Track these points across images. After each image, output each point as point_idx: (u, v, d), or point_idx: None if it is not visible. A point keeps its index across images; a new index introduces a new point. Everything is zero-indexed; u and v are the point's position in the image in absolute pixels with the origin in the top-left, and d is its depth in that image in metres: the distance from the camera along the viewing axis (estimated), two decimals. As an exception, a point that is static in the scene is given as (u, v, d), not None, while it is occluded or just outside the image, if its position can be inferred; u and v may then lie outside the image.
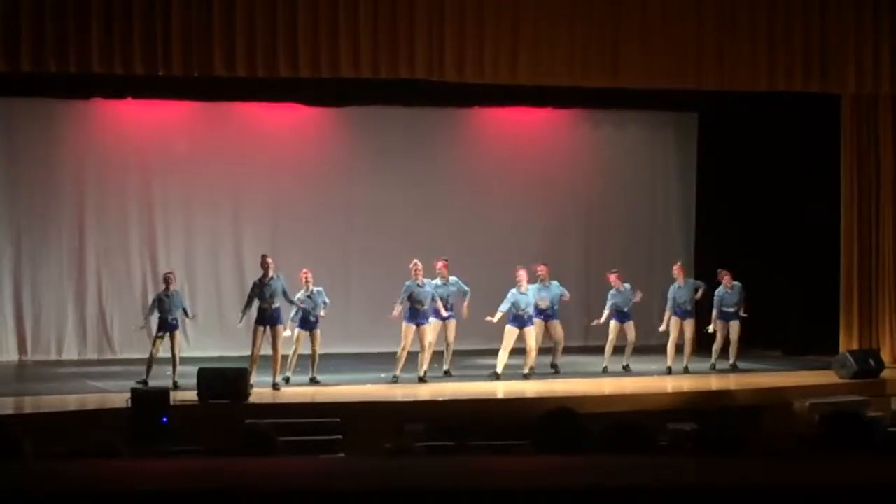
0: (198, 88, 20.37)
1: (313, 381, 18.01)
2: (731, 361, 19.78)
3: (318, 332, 18.08)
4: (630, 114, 23.82)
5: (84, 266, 21.62)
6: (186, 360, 17.89)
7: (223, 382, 16.20)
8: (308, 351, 18.12)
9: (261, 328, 17.58)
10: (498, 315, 18.59)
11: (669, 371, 19.43)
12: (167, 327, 17.78)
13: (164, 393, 15.56)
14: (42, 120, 21.27)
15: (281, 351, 17.53)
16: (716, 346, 19.77)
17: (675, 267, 20.02)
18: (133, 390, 15.29)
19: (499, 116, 23.57)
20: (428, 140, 22.93)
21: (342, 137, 22.85)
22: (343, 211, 22.58)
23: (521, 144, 23.56)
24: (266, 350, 17.58)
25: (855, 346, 20.22)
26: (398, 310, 18.18)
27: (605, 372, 19.44)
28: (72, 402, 16.88)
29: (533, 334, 18.71)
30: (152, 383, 16.92)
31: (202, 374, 16.22)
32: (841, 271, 20.99)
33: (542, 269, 19.24)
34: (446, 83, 19.00)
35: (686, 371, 19.42)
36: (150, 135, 21.87)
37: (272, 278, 17.67)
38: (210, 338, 21.23)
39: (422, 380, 18.09)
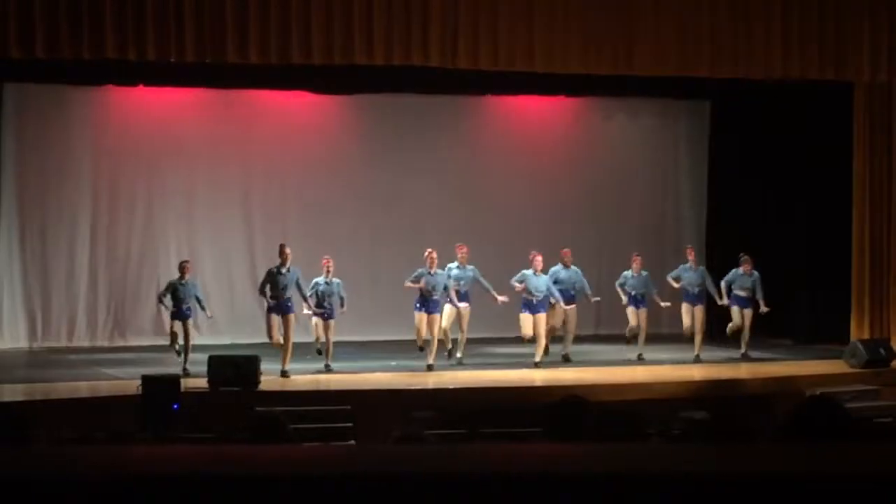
0: (209, 76, 20.38)
1: (327, 369, 18.03)
2: (742, 350, 19.74)
3: (332, 322, 18.10)
4: (643, 102, 23.80)
5: (95, 253, 21.65)
6: (198, 348, 17.91)
7: (234, 370, 16.21)
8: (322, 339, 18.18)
9: (275, 316, 17.61)
10: (516, 286, 18.61)
11: (698, 359, 19.44)
12: (181, 315, 17.81)
13: (174, 380, 15.57)
14: (55, 106, 21.28)
15: (293, 339, 17.57)
16: (742, 334, 19.68)
17: (687, 249, 20.05)
18: (144, 377, 15.28)
19: (511, 104, 23.55)
20: (440, 128, 22.92)
21: (353, 125, 22.85)
22: (355, 199, 22.58)
23: (534, 132, 23.55)
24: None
25: (866, 336, 20.18)
26: (407, 286, 18.22)
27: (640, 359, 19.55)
28: (83, 388, 16.91)
29: (543, 322, 18.72)
30: (163, 370, 16.93)
31: (213, 361, 16.23)
32: (853, 260, 20.95)
33: (565, 253, 19.31)
34: (458, 71, 18.98)
35: (697, 360, 19.39)
36: (162, 122, 21.90)
37: (289, 269, 17.68)
38: (221, 325, 21.24)
39: (430, 368, 18.09)
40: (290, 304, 17.67)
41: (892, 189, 20.86)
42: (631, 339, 19.73)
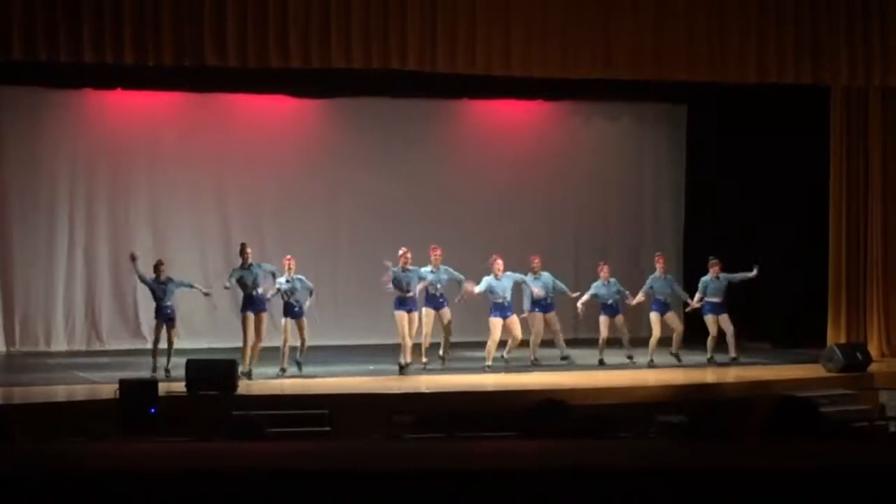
0: (187, 79, 20.35)
1: (298, 366, 18.06)
2: (731, 355, 19.67)
3: (304, 320, 18.14)
4: (620, 106, 23.86)
5: (73, 257, 21.59)
6: (175, 352, 17.87)
7: (212, 373, 16.19)
8: (296, 342, 18.18)
9: (250, 314, 17.71)
10: (476, 289, 18.70)
11: (678, 357, 19.60)
12: (162, 316, 17.80)
13: (152, 384, 15.55)
14: (32, 109, 21.21)
15: (264, 339, 17.71)
16: (728, 339, 19.72)
17: (657, 257, 20.11)
18: (121, 381, 15.25)
19: (489, 108, 23.56)
20: (418, 132, 22.92)
21: (331, 129, 22.83)
22: (332, 202, 22.57)
23: (512, 136, 23.57)
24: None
25: (843, 340, 20.25)
26: (384, 282, 18.30)
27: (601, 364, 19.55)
28: (60, 392, 16.87)
29: (517, 324, 18.79)
30: (141, 374, 16.92)
31: (191, 364, 16.20)
32: (829, 264, 21.02)
33: (536, 261, 19.36)
34: (436, 74, 18.99)
35: (677, 358, 19.58)
36: (141, 125, 21.85)
37: (251, 265, 17.88)
38: (199, 329, 21.21)
39: (403, 369, 18.07)
40: (262, 300, 17.86)
41: (869, 193, 20.95)
42: (602, 349, 19.73)
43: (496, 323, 18.78)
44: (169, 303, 17.89)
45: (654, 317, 19.63)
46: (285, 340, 18.04)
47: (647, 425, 12.98)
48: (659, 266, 19.84)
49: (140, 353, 19.86)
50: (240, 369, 16.89)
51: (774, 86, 20.14)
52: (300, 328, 18.11)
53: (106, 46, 17.34)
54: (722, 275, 19.58)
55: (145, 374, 17.06)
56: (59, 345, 21.40)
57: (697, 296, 19.62)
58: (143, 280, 18.19)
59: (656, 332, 19.53)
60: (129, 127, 21.77)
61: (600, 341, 19.68)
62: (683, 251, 23.66)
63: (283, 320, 18.13)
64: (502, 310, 18.81)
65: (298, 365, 18.06)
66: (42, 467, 2.88)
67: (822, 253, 21.03)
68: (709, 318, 19.60)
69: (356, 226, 22.53)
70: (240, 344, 17.90)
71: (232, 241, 22.13)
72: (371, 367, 18.70)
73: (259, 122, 22.46)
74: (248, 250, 18.02)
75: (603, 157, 24.05)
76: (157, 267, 18.15)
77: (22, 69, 18.70)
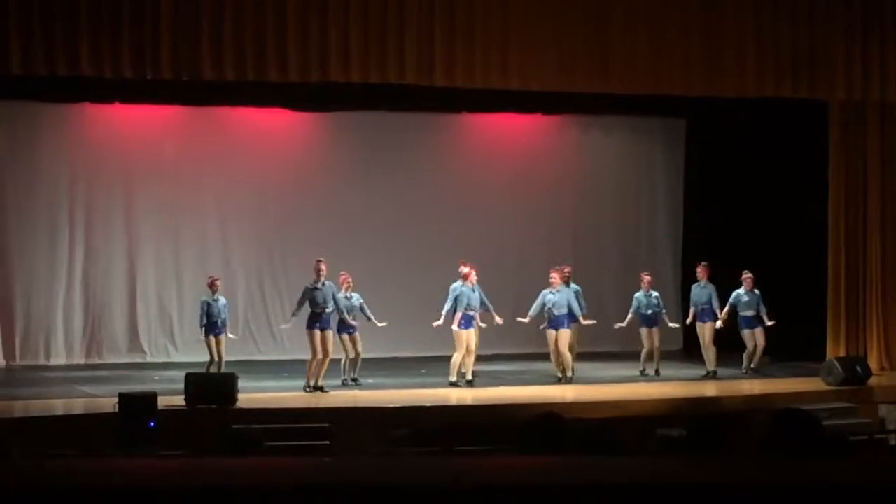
0: (185, 93, 20.35)
1: (355, 382, 18.24)
2: (745, 367, 19.85)
3: (357, 334, 18.34)
4: (618, 119, 23.87)
5: (72, 270, 21.59)
6: (175, 365, 17.87)
7: (211, 387, 16.18)
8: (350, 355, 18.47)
9: (316, 332, 17.78)
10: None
11: (657, 373, 19.78)
12: (214, 330, 17.91)
13: (151, 397, 15.52)
14: (31, 123, 21.25)
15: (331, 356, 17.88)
16: (746, 355, 19.84)
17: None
18: (121, 395, 15.24)
19: (487, 122, 23.58)
20: (417, 146, 22.92)
21: (329, 142, 22.84)
22: (331, 215, 22.54)
23: (510, 150, 23.58)
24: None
25: (842, 353, 20.24)
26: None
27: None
28: (59, 406, 16.86)
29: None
30: (140, 388, 16.91)
31: (190, 378, 16.19)
32: (828, 278, 21.01)
33: (556, 275, 19.24)
34: (434, 88, 18.99)
35: (657, 374, 19.74)
36: (139, 139, 21.86)
37: (324, 283, 17.90)
38: (199, 343, 21.18)
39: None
40: (329, 318, 17.92)
41: (868, 207, 20.94)
42: (645, 361, 19.85)
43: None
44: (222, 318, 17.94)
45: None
46: (347, 353, 18.33)
47: (646, 439, 12.97)
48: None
49: (139, 367, 19.85)
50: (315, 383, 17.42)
51: (773, 100, 20.15)
52: (354, 343, 18.27)
53: (104, 60, 17.33)
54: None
55: (144, 387, 17.04)
56: (59, 359, 21.39)
57: (727, 309, 19.69)
58: (202, 317, 18.09)
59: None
60: (127, 141, 21.76)
61: (643, 353, 19.91)
62: (682, 265, 23.63)
63: (340, 336, 18.25)
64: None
65: (355, 381, 18.24)
66: (40, 485, 2.87)
67: (822, 267, 21.01)
68: (745, 333, 19.67)
69: (354, 238, 22.48)
70: (237, 358, 17.89)
71: (230, 253, 22.17)
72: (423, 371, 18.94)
73: (257, 135, 22.46)
74: (323, 267, 18.00)
75: (601, 171, 24.06)
76: (214, 284, 18.21)
77: (20, 83, 18.70)
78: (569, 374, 18.84)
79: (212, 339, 17.84)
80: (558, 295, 18.92)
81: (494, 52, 18.71)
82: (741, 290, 19.70)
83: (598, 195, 23.96)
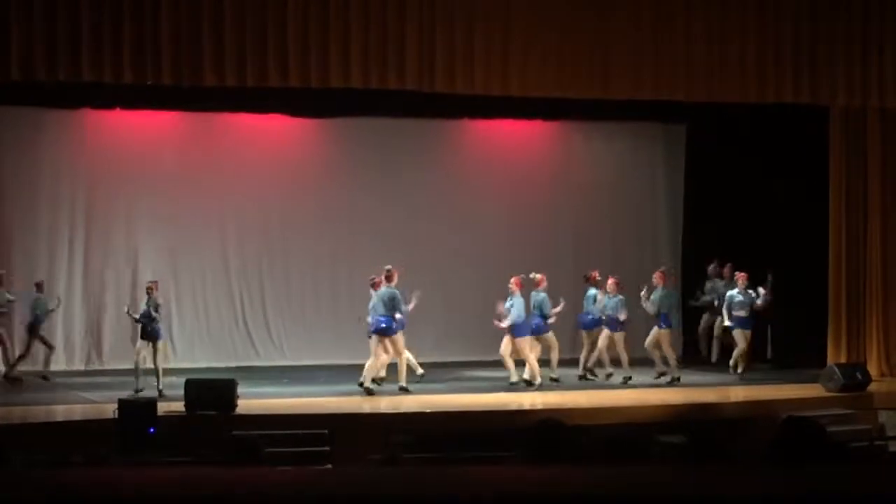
0: (186, 99, 20.36)
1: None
2: (732, 369, 19.90)
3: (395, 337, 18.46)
4: (619, 125, 23.86)
5: (72, 276, 21.57)
6: (174, 371, 17.85)
7: (211, 393, 16.16)
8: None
9: (401, 334, 18.29)
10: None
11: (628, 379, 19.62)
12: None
13: (151, 403, 15.52)
14: (31, 129, 21.23)
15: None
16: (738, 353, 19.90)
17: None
18: (120, 401, 15.23)
19: (488, 128, 23.57)
20: (417, 152, 22.91)
21: (330, 148, 22.83)
22: (331, 222, 22.54)
23: (511, 156, 23.57)
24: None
25: (842, 359, 20.23)
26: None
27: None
28: (59, 412, 16.84)
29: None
30: (140, 394, 16.91)
31: (190, 384, 16.17)
32: (829, 284, 21.00)
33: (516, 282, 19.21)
34: (435, 95, 18.99)
35: (628, 380, 19.55)
36: (139, 145, 21.84)
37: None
38: (197, 348, 21.19)
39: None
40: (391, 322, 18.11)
41: (869, 213, 20.93)
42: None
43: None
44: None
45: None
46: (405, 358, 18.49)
47: (648, 445, 12.95)
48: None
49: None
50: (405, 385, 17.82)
51: (774, 105, 20.15)
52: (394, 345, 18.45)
53: (104, 66, 17.34)
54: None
55: (145, 393, 17.03)
56: (59, 365, 21.34)
57: (725, 313, 19.77)
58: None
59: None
60: (127, 146, 21.75)
61: (593, 355, 19.79)
62: (682, 269, 23.62)
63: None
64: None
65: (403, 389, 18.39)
66: (40, 495, 2.86)
67: (822, 272, 21.00)
68: (737, 333, 19.81)
69: (355, 244, 22.49)
70: (238, 364, 17.87)
71: (230, 259, 22.15)
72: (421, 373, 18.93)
73: (257, 141, 22.45)
74: (394, 272, 18.21)
75: (602, 176, 24.05)
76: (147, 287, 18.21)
77: (20, 89, 18.69)
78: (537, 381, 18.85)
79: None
80: (514, 300, 18.85)
81: (495, 59, 18.72)
82: (734, 291, 19.73)
83: (599, 200, 23.93)
